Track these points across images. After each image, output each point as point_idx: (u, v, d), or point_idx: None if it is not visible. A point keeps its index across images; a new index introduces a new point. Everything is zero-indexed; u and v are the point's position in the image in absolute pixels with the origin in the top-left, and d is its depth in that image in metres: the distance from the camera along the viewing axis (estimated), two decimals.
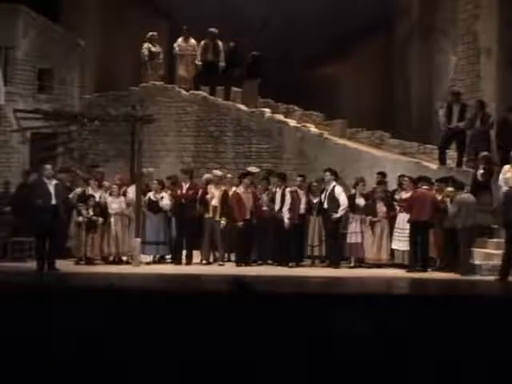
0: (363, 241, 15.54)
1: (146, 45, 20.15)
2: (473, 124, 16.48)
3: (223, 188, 16.14)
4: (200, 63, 19.95)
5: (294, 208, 15.63)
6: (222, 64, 19.79)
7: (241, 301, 7.53)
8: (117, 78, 20.88)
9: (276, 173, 16.51)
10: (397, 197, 15.57)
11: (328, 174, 15.79)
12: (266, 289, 11.29)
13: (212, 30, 19.80)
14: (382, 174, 16.10)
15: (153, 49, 20.18)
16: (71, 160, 18.30)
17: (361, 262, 15.59)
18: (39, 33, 18.48)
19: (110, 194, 16.09)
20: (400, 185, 15.72)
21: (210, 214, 16.00)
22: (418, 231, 14.90)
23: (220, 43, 19.86)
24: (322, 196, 15.71)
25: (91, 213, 15.84)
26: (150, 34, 20.24)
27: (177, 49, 20.19)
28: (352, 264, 15.63)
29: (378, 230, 15.53)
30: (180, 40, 20.22)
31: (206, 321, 7.75)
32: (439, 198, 15.04)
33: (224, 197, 15.95)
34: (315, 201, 15.76)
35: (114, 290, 10.74)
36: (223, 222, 15.90)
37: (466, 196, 14.70)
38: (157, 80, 20.05)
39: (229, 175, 16.68)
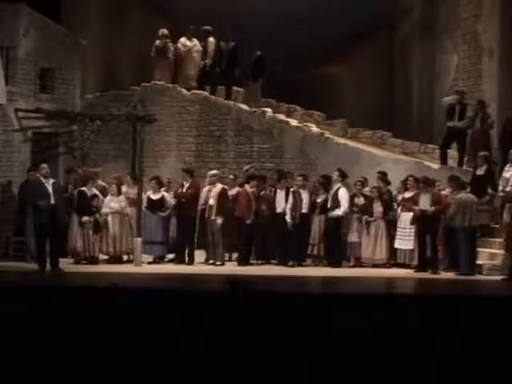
0: (361, 240, 15.55)
1: (169, 41, 20.00)
2: (473, 123, 16.48)
3: (220, 186, 16.06)
4: (202, 62, 19.98)
5: (295, 208, 15.64)
6: (209, 63, 19.74)
7: (238, 299, 7.55)
8: (118, 78, 20.89)
9: (284, 173, 16.47)
10: (400, 197, 15.56)
11: (336, 173, 15.79)
12: (266, 288, 11.29)
13: (204, 28, 19.76)
14: (383, 174, 16.06)
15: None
16: (72, 160, 18.30)
17: (359, 262, 15.59)
18: (41, 32, 18.48)
19: (109, 194, 16.14)
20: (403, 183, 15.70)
21: (207, 213, 16.00)
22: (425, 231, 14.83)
23: (211, 41, 19.78)
24: (329, 195, 15.71)
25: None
26: (165, 31, 20.09)
27: (182, 49, 20.11)
28: (352, 264, 15.64)
29: (372, 230, 15.51)
30: (183, 39, 20.17)
31: (206, 320, 7.76)
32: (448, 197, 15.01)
33: (221, 195, 15.89)
34: (319, 200, 15.76)
35: (115, 290, 10.76)
36: (219, 220, 15.85)
37: (464, 196, 14.71)
38: (169, 78, 20.02)
39: (225, 174, 16.65)
